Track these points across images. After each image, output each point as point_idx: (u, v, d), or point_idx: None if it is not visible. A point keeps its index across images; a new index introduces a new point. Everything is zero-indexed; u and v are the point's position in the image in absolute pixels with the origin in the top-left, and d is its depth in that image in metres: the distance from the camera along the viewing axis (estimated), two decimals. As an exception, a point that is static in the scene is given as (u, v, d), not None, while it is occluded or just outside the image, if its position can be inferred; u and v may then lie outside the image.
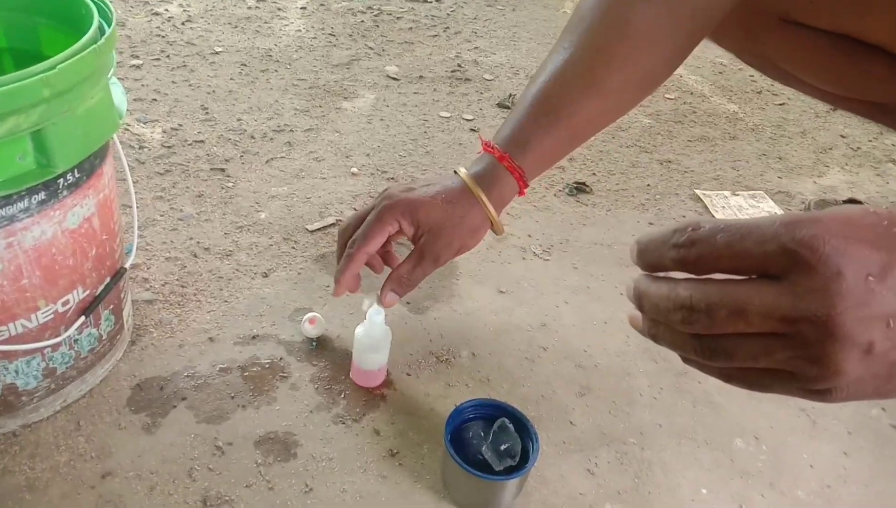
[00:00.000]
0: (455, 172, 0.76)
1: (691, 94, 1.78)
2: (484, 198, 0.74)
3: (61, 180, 0.67)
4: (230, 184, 1.22)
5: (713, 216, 1.28)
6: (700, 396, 0.92)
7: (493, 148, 0.74)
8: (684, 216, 1.29)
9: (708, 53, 1.99)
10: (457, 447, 0.74)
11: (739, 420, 0.89)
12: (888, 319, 0.35)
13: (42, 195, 0.66)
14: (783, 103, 1.78)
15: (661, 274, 0.40)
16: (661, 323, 0.40)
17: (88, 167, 0.71)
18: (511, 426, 0.76)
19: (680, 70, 1.92)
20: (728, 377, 0.40)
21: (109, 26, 0.71)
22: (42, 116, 0.61)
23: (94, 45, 0.65)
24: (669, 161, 1.46)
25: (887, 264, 0.35)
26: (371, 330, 0.83)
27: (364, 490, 0.75)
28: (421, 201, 0.73)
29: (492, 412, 0.77)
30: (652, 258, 0.39)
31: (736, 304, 0.36)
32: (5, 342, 0.71)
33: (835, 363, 0.35)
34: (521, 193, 0.76)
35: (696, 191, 1.36)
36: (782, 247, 0.35)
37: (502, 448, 0.74)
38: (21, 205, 0.65)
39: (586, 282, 1.10)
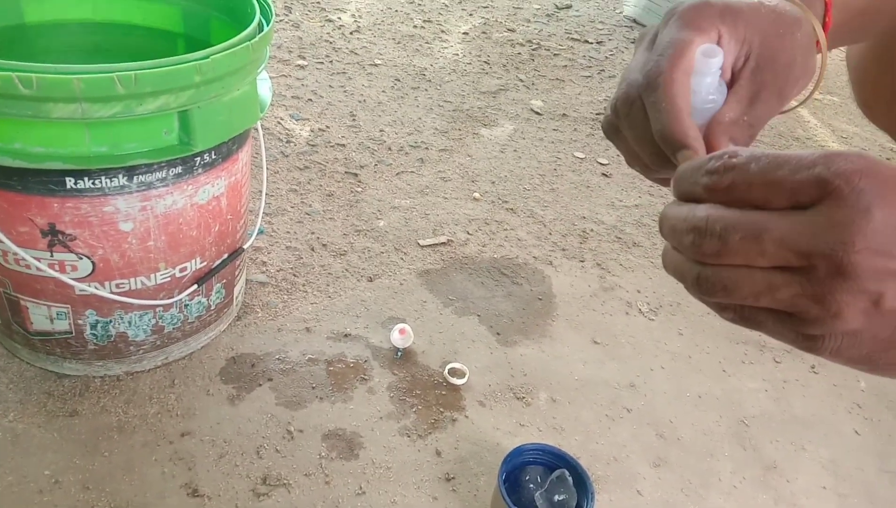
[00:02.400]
0: None
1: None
2: (805, 8, 0.52)
3: (198, 159, 0.74)
4: (359, 189, 1.28)
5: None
6: (785, 495, 0.86)
7: None
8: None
9: (878, 137, 1.85)
10: (511, 487, 0.73)
11: (826, 533, 0.82)
12: None
13: (179, 169, 0.73)
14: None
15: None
16: (674, 249, 0.38)
17: (225, 151, 0.77)
18: (570, 479, 0.74)
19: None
20: (723, 309, 0.37)
21: (268, 25, 0.77)
22: (190, 99, 0.68)
23: (248, 43, 0.71)
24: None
25: None
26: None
27: (414, 505, 0.76)
28: (740, 6, 0.50)
29: (553, 461, 0.76)
30: (686, 186, 0.37)
31: (753, 228, 0.34)
32: (125, 294, 0.78)
33: (837, 304, 0.32)
34: (826, 24, 0.54)
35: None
36: (816, 176, 0.32)
37: (556, 499, 0.72)
38: (160, 175, 0.72)
39: (689, 351, 1.05)
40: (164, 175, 0.72)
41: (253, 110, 0.77)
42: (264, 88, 0.83)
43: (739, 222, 0.34)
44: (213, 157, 0.76)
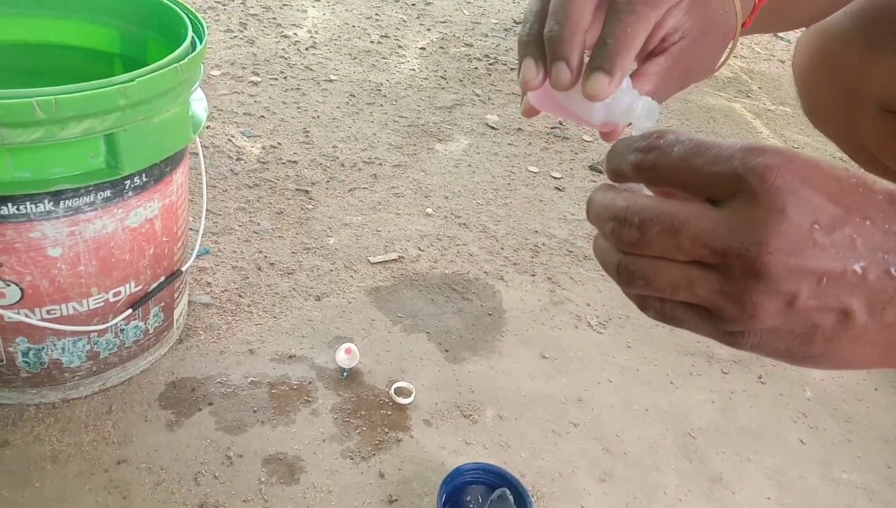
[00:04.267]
0: None
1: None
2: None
3: (128, 182, 0.73)
4: (310, 206, 1.27)
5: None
6: (730, 507, 0.86)
7: None
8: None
9: (829, 147, 1.89)
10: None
11: (768, 544, 0.83)
12: (822, 276, 0.32)
13: (108, 193, 0.72)
14: (903, 211, 1.65)
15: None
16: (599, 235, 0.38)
17: (157, 173, 0.76)
18: (511, 497, 0.74)
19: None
20: (644, 305, 0.38)
21: (201, 44, 0.77)
22: (116, 122, 0.67)
23: (176, 64, 0.70)
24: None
25: (839, 219, 0.32)
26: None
27: (354, 530, 0.75)
28: None
29: (494, 480, 0.75)
30: (616, 162, 0.37)
31: (671, 222, 0.34)
32: (56, 320, 0.77)
33: (752, 304, 0.33)
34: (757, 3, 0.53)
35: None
36: (732, 170, 0.33)
37: (496, 518, 0.72)
38: (87, 199, 0.71)
39: (637, 363, 1.06)
40: (92, 199, 0.71)
41: (185, 131, 0.76)
42: (199, 107, 0.82)
43: (658, 214, 0.34)
44: (145, 179, 0.74)
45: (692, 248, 0.34)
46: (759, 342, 0.35)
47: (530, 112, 0.47)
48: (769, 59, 2.47)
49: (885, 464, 0.97)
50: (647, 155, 0.36)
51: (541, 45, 0.41)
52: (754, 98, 2.10)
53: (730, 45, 0.50)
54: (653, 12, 0.41)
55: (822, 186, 0.32)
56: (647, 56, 0.45)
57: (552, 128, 1.70)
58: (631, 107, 0.41)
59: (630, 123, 0.42)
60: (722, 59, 0.49)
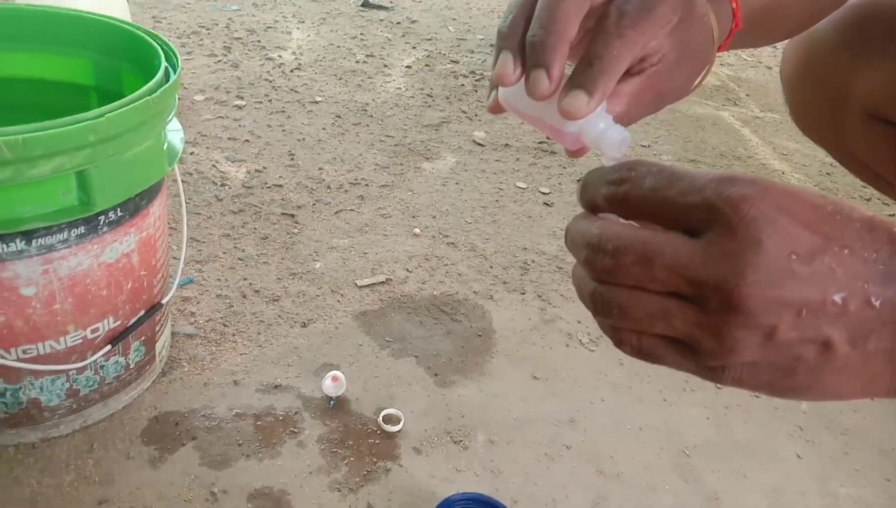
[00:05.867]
0: None
1: (791, 193, 1.68)
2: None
3: (102, 218, 0.72)
4: (296, 230, 1.26)
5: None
6: (727, 528, 0.85)
7: None
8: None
9: (818, 153, 1.88)
10: (439, 540, 0.71)
11: (767, 565, 0.81)
12: (802, 307, 0.31)
13: (81, 229, 0.70)
14: (893, 215, 1.65)
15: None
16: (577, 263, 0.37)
17: (133, 207, 0.75)
18: (501, 527, 0.72)
19: (786, 167, 1.82)
20: (620, 340, 0.36)
21: (175, 75, 0.76)
22: (87, 159, 0.66)
23: (148, 98, 0.69)
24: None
25: (817, 248, 0.31)
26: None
27: (342, 566, 0.73)
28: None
29: (484, 510, 0.74)
30: (589, 193, 0.37)
31: (645, 251, 0.33)
32: (33, 360, 0.75)
33: (731, 339, 0.32)
34: (735, 24, 0.52)
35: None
36: (706, 201, 0.32)
37: (486, 550, 0.70)
38: (60, 236, 0.69)
39: (629, 381, 1.04)
40: (65, 237, 0.70)
41: (160, 164, 0.75)
42: (175, 138, 0.81)
43: (631, 242, 0.34)
44: (120, 214, 0.73)
45: (667, 278, 0.33)
46: (740, 377, 0.34)
47: (496, 109, 0.45)
48: (756, 65, 2.47)
49: (883, 477, 0.95)
50: (619, 187, 0.35)
51: (521, 42, 0.40)
52: (742, 106, 2.10)
53: (704, 70, 0.49)
54: (640, 38, 0.40)
55: (798, 214, 0.32)
56: (622, 76, 0.44)
57: (540, 143, 1.69)
58: (604, 134, 0.40)
59: (598, 149, 0.41)
60: (696, 83, 0.48)
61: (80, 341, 0.77)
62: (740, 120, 2.00)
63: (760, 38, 0.62)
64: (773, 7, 0.58)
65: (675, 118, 1.94)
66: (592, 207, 0.37)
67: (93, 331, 0.78)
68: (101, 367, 0.82)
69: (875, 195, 1.72)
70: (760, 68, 2.44)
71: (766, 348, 0.32)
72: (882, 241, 0.32)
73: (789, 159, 1.83)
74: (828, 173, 1.81)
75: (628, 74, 0.43)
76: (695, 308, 0.33)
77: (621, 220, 0.36)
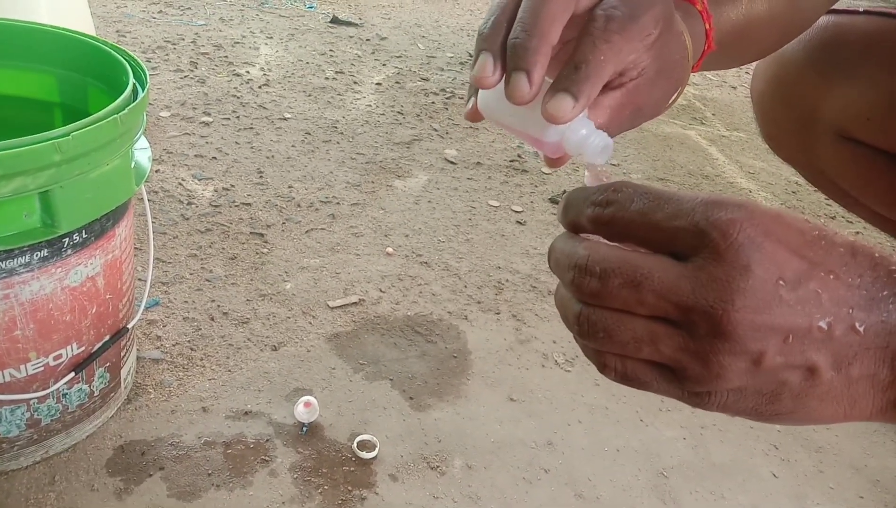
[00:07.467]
0: None
1: (758, 211, 1.70)
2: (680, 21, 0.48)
3: (66, 240, 0.69)
4: (265, 250, 1.23)
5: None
6: (707, 551, 0.84)
7: None
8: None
9: (783, 171, 1.92)
10: (419, 571, 0.68)
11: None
12: (788, 333, 0.31)
13: (45, 252, 0.67)
14: (858, 233, 1.68)
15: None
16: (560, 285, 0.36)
17: (98, 229, 0.72)
18: (482, 557, 0.70)
19: (752, 185, 1.85)
20: (604, 364, 0.36)
21: (143, 92, 0.73)
22: (51, 179, 0.63)
23: (115, 116, 0.66)
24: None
25: (804, 273, 0.31)
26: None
27: None
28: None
29: (464, 538, 0.72)
30: (572, 214, 0.36)
31: (633, 275, 0.33)
32: (-10, 389, 0.72)
33: (718, 365, 0.32)
34: (707, 45, 0.52)
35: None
36: (694, 225, 0.32)
37: (467, 580, 0.68)
38: (22, 260, 0.66)
39: (606, 402, 1.04)
40: (27, 260, 0.67)
41: (127, 184, 0.73)
42: (142, 156, 0.79)
43: (620, 266, 0.33)
44: (84, 236, 0.70)
45: (655, 302, 0.33)
46: (725, 402, 0.34)
47: (475, 116, 0.44)
48: (721, 85, 2.52)
49: (856, 494, 0.96)
50: (604, 209, 0.35)
51: (503, 44, 0.38)
52: (708, 125, 2.13)
53: (680, 88, 0.49)
54: (626, 45, 0.39)
55: (785, 239, 0.32)
56: (602, 88, 0.44)
57: (511, 161, 1.69)
58: (587, 140, 0.39)
59: (580, 155, 0.40)
60: (671, 101, 0.48)
61: (42, 368, 0.74)
62: (707, 139, 2.03)
63: (732, 58, 0.62)
64: (745, 29, 0.58)
65: (644, 137, 1.96)
66: (575, 227, 0.37)
67: (55, 358, 0.75)
68: (64, 395, 0.78)
69: (839, 213, 1.75)
70: (725, 88, 2.49)
71: (753, 374, 0.32)
72: (865, 266, 0.33)
73: (756, 178, 1.86)
74: (793, 192, 1.84)
75: (608, 87, 0.42)
76: (682, 333, 0.33)
77: (606, 241, 0.36)
